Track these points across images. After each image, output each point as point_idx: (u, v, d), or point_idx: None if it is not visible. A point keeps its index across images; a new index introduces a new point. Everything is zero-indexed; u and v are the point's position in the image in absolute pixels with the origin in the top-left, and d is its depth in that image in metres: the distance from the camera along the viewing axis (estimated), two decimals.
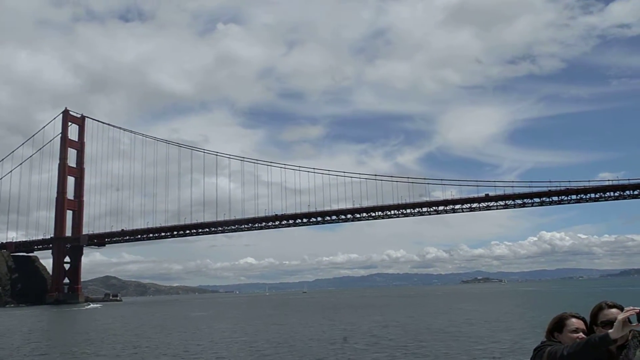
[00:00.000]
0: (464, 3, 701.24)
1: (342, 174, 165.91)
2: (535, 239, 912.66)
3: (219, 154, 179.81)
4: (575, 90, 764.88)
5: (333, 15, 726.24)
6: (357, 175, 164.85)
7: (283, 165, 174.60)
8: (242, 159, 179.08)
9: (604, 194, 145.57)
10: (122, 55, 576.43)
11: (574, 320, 4.68)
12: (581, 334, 4.58)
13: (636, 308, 4.06)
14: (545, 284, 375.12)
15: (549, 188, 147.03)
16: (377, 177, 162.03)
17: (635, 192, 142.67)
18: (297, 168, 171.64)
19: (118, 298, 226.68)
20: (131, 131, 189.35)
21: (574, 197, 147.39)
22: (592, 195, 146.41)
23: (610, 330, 4.10)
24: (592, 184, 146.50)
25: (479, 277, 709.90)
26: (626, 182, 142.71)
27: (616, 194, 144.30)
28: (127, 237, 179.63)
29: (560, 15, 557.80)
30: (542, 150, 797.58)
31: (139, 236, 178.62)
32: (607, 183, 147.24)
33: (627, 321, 4.03)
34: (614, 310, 4.49)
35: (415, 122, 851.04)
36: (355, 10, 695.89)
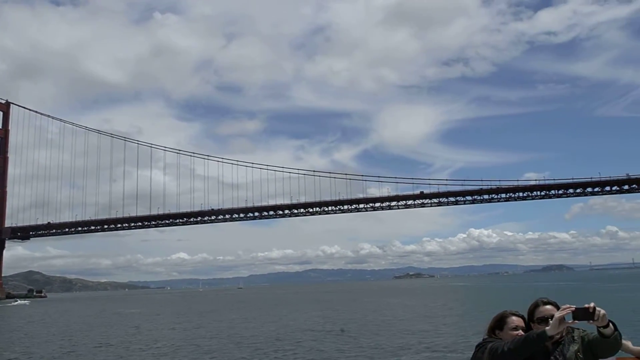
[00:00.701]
0: (402, 4, 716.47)
1: (281, 169, 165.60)
2: (464, 235, 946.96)
3: (153, 145, 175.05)
4: (505, 93, 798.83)
5: (273, 9, 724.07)
6: (295, 171, 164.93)
7: (220, 159, 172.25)
8: (177, 151, 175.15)
9: (532, 193, 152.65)
10: (52, 40, 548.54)
11: (514, 318, 4.99)
12: (520, 332, 4.85)
13: (572, 306, 4.35)
14: (474, 279, 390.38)
15: (481, 187, 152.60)
16: (316, 173, 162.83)
17: (560, 192, 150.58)
18: (235, 162, 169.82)
19: (42, 294, 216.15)
20: (60, 120, 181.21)
21: (503, 195, 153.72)
22: (521, 194, 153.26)
23: (547, 328, 4.43)
24: (518, 183, 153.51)
25: (410, 273, 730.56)
26: (552, 182, 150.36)
27: (542, 193, 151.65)
28: (54, 231, 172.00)
29: (493, 21, 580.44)
30: (473, 150, 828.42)
31: (67, 230, 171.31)
32: (533, 183, 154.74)
33: (563, 319, 4.36)
34: (549, 307, 4.85)
35: (353, 120, 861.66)
36: (295, 6, 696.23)
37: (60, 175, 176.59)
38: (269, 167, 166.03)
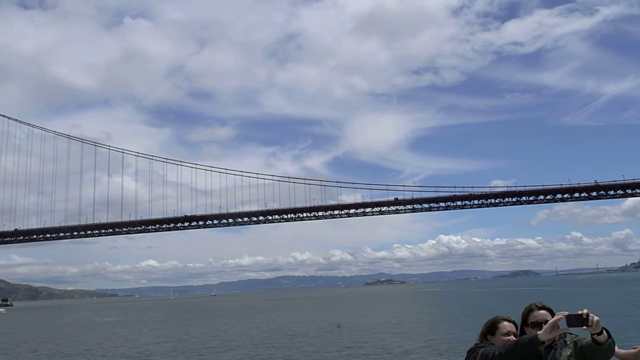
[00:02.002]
0: (374, 13, 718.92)
1: (255, 175, 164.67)
2: (434, 242, 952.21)
3: (125, 151, 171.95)
4: (473, 102, 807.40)
5: (245, 16, 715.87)
6: (270, 177, 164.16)
7: (193, 165, 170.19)
8: (150, 157, 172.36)
9: (503, 199, 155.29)
10: (20, 44, 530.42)
11: (505, 323, 5.02)
12: (512, 337, 4.88)
13: (565, 312, 4.37)
14: (445, 284, 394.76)
15: (454, 193, 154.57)
16: (291, 180, 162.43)
17: (531, 198, 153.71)
18: (209, 168, 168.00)
19: (9, 302, 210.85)
20: (29, 124, 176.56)
21: (476, 202, 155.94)
22: (492, 200, 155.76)
23: (539, 332, 4.39)
24: (487, 190, 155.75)
25: (381, 279, 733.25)
26: (522, 188, 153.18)
27: (514, 200, 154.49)
28: (22, 238, 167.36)
29: (461, 31, 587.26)
30: (442, 158, 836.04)
31: (35, 236, 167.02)
32: (504, 189, 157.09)
33: (557, 325, 4.31)
34: (542, 311, 4.90)
35: (323, 127, 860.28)
36: (267, 13, 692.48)
37: (27, 181, 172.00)
38: (243, 174, 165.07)
